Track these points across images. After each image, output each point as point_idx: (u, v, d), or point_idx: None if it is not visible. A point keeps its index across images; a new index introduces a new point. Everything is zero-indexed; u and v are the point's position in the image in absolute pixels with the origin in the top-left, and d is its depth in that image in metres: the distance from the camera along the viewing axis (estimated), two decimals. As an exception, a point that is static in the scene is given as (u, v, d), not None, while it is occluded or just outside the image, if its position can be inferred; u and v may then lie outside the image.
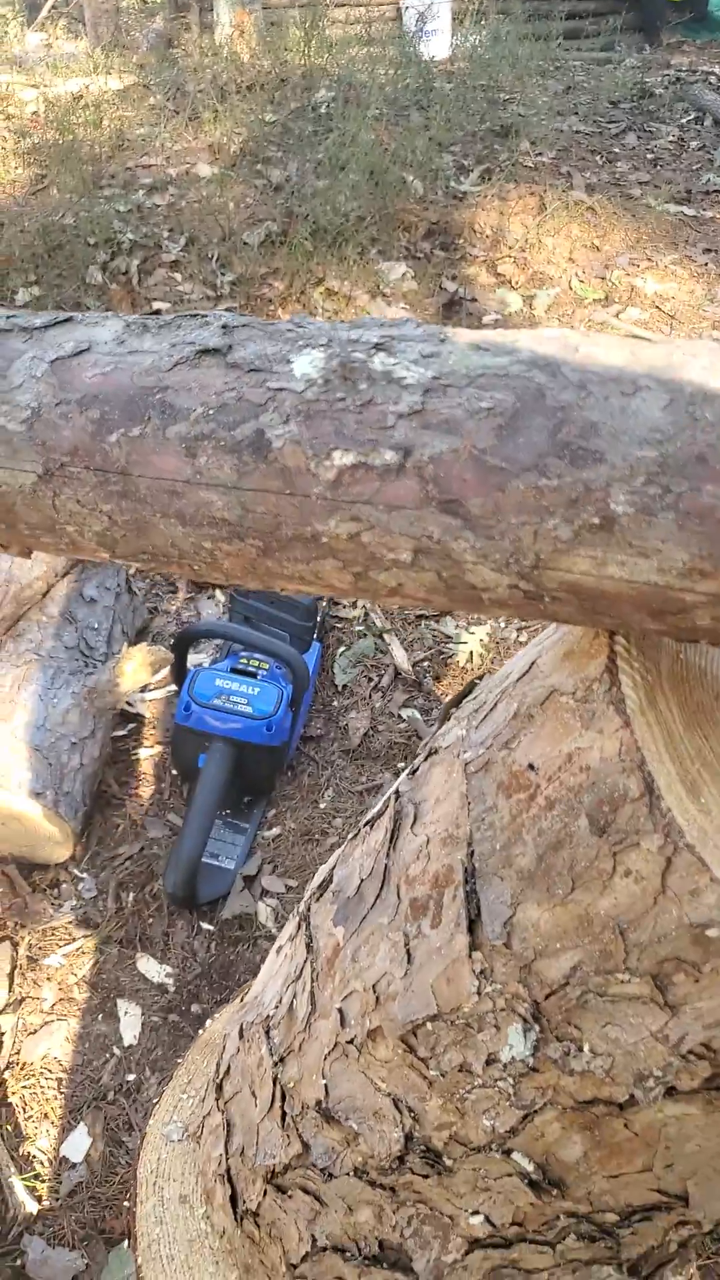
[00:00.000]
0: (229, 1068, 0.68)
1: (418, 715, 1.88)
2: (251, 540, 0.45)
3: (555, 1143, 0.48)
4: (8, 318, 0.52)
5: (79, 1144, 1.40)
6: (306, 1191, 0.59)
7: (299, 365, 0.43)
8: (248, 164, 3.41)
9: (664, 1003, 0.41)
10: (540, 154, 3.44)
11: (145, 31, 5.72)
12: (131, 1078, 1.45)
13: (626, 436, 0.38)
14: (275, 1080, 0.60)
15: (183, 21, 5.82)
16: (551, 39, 4.65)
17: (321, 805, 1.74)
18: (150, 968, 1.54)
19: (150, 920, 1.58)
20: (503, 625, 2.08)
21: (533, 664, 0.49)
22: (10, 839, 1.59)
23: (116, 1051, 1.47)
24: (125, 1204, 1.35)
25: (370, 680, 1.95)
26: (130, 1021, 1.50)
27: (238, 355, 0.45)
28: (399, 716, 1.89)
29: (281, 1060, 0.60)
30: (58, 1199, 1.35)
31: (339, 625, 2.07)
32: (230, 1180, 0.67)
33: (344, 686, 1.94)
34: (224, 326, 0.47)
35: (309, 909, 0.61)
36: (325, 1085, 0.56)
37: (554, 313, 2.93)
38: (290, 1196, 0.60)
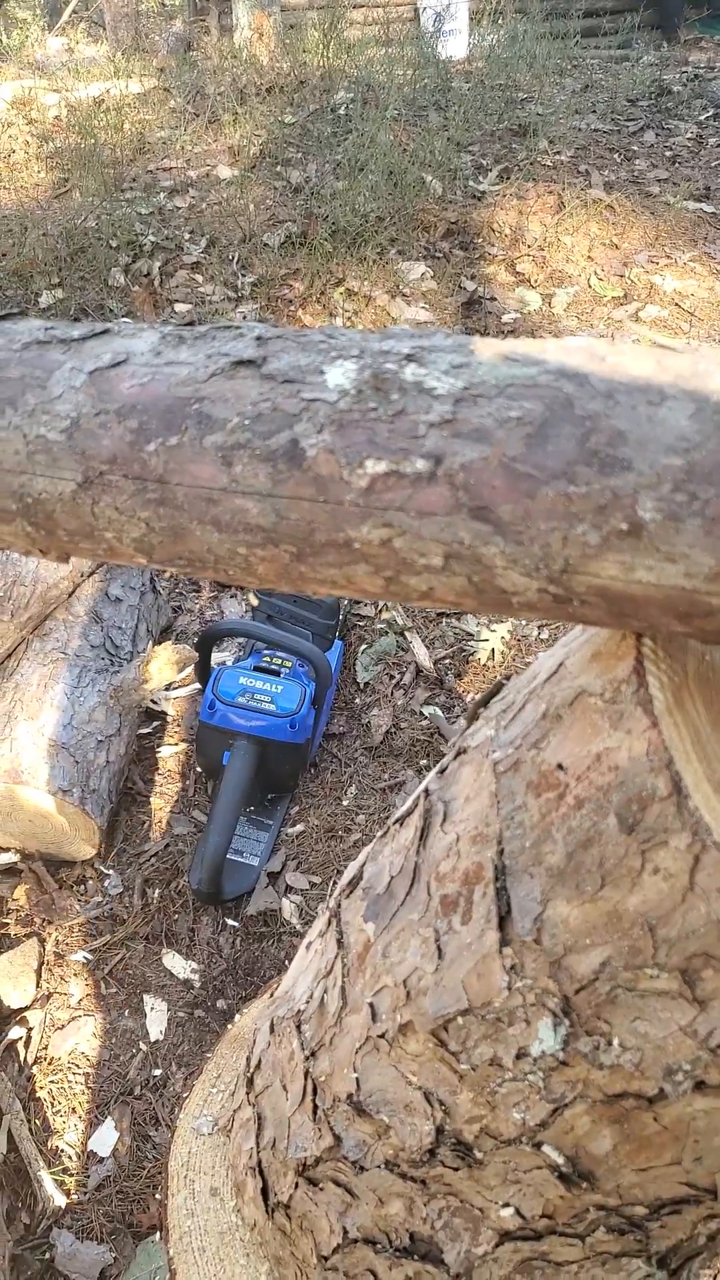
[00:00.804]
0: (260, 1062, 0.70)
1: (439, 713, 1.89)
2: (285, 546, 0.46)
3: (585, 1136, 0.48)
4: (46, 329, 0.54)
5: (106, 1138, 1.42)
6: (338, 1184, 0.60)
7: (332, 376, 0.44)
8: (267, 166, 3.42)
9: (693, 997, 0.42)
10: (558, 153, 3.43)
11: (165, 35, 5.76)
12: (158, 1073, 1.47)
13: (654, 445, 0.38)
14: (307, 1074, 0.61)
15: (202, 25, 5.85)
16: (569, 37, 4.63)
17: (344, 802, 1.75)
18: (176, 963, 1.56)
19: (176, 916, 1.60)
20: (524, 623, 2.08)
21: (560, 665, 0.49)
22: (37, 836, 1.61)
23: (143, 1047, 1.49)
24: (154, 1197, 1.37)
25: (392, 678, 1.96)
26: (156, 1017, 1.52)
27: (272, 366, 0.46)
28: (421, 714, 1.90)
29: (313, 1054, 0.61)
30: (85, 1193, 1.37)
31: (360, 623, 2.09)
32: (261, 1173, 0.68)
33: (366, 684, 1.95)
34: (258, 338, 0.48)
35: (339, 905, 0.62)
36: (357, 1079, 0.57)
37: (573, 311, 2.93)
38: (321, 1189, 0.62)
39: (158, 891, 1.63)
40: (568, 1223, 0.52)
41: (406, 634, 2.06)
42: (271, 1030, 0.69)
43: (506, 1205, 0.53)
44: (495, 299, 2.99)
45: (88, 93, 4.06)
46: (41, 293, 2.99)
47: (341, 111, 3.68)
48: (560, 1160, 0.50)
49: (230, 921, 1.59)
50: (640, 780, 0.42)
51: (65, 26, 6.59)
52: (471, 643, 2.05)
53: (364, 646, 2.03)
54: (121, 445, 0.48)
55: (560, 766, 0.46)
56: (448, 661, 2.02)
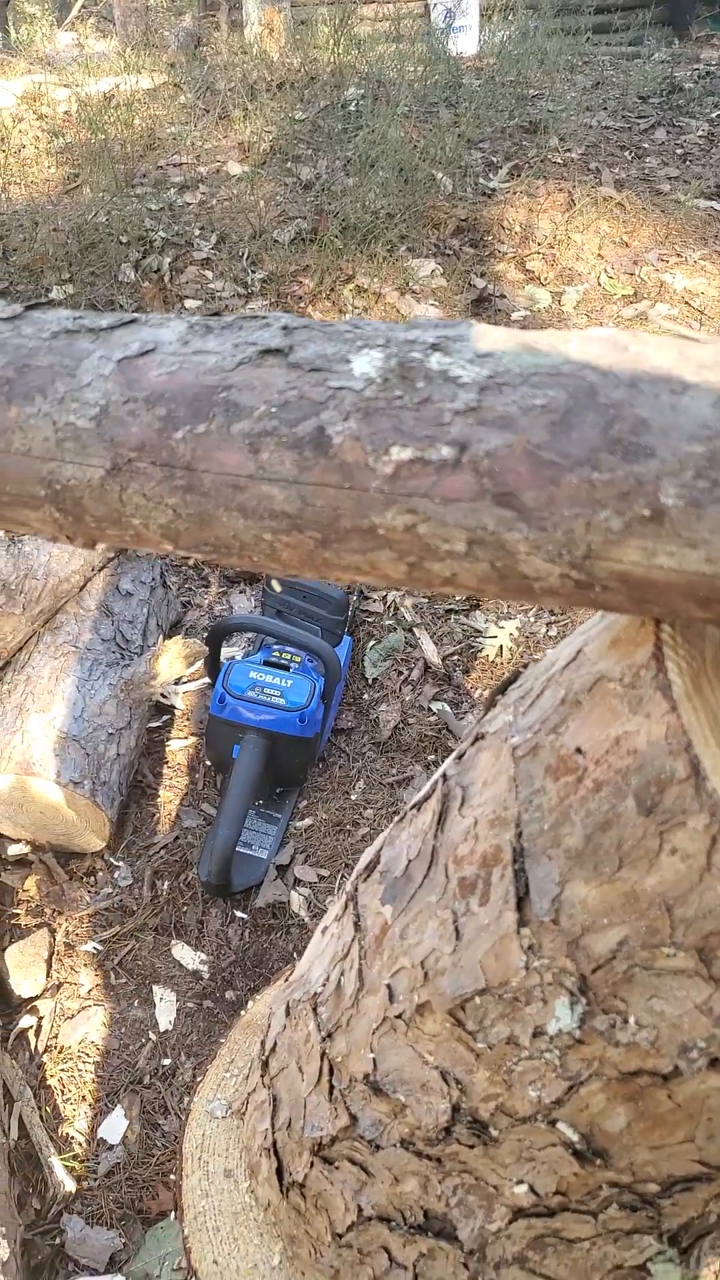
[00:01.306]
0: (275, 1045, 0.71)
1: (448, 708, 1.90)
2: (310, 532, 0.47)
3: (600, 1114, 0.49)
4: (75, 318, 0.55)
5: (116, 1126, 1.43)
6: (353, 1163, 0.61)
7: (358, 365, 0.45)
8: (278, 162, 3.43)
9: (709, 976, 0.43)
10: (569, 150, 3.43)
11: (174, 30, 5.76)
12: (167, 1062, 1.48)
13: (676, 433, 0.39)
14: (323, 1055, 0.62)
15: (212, 20, 5.86)
16: (580, 34, 4.63)
17: (353, 796, 1.76)
18: (185, 955, 1.57)
19: (185, 908, 1.61)
20: (532, 620, 2.09)
21: (579, 652, 0.50)
22: (48, 828, 1.63)
23: (152, 1036, 1.50)
24: (164, 1185, 1.38)
25: (400, 674, 1.97)
26: (165, 1007, 1.53)
27: (298, 355, 0.47)
28: (429, 710, 1.91)
29: (329, 1036, 0.62)
30: (95, 1179, 1.39)
31: (369, 619, 2.09)
32: (276, 1153, 0.69)
33: (374, 680, 1.96)
34: (284, 328, 0.49)
35: (356, 889, 0.63)
36: (373, 1059, 0.58)
37: (582, 309, 2.93)
38: (337, 1168, 0.63)
39: (167, 883, 1.64)
40: (581, 1200, 0.53)
41: (415, 630, 2.07)
42: (287, 1014, 0.70)
43: (521, 1182, 0.54)
44: (505, 296, 3.00)
45: (98, 88, 4.07)
46: (52, 288, 3.00)
47: (352, 108, 3.69)
48: (575, 1138, 0.51)
49: (239, 914, 1.61)
50: (659, 763, 0.43)
51: (74, 21, 6.60)
52: (480, 639, 2.05)
53: (373, 642, 2.04)
54: (150, 433, 0.49)
55: (579, 750, 0.47)
56: (456, 658, 2.03)
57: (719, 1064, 0.45)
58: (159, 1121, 1.43)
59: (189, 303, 2.99)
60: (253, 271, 3.02)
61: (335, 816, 1.74)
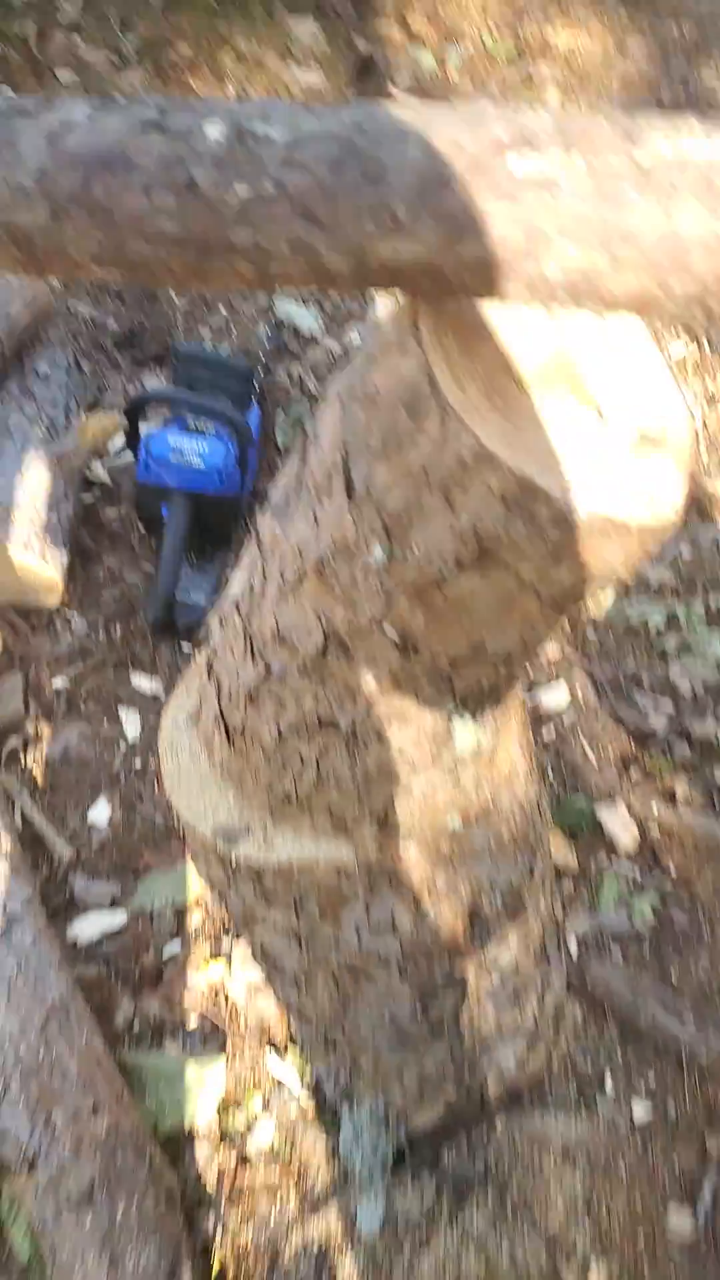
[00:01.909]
0: (215, 649, 1.05)
1: (349, 467, 2.19)
2: (191, 250, 0.74)
3: (408, 616, 0.84)
4: (7, 101, 0.78)
5: (102, 813, 1.83)
6: (271, 696, 0.97)
7: (210, 131, 0.71)
8: None
9: (450, 507, 0.76)
10: None
11: None
12: (138, 764, 1.87)
13: (404, 170, 0.67)
14: (246, 633, 0.97)
15: None
16: None
17: (271, 545, 2.08)
18: (143, 683, 1.93)
19: (138, 647, 1.96)
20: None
21: (376, 329, 0.80)
22: (5, 589, 1.92)
23: (124, 745, 1.88)
24: (145, 848, 1.79)
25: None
26: (132, 723, 1.90)
27: (171, 127, 0.72)
28: (333, 469, 2.20)
29: (248, 619, 0.96)
30: (90, 853, 1.79)
31: (277, 392, 2.34)
32: (223, 718, 1.05)
33: (286, 448, 2.24)
34: (159, 107, 0.74)
35: (257, 525, 0.95)
36: (276, 622, 0.92)
37: (467, 72, 2.99)
38: (262, 706, 0.99)
39: (119, 628, 1.97)
40: (405, 683, 0.89)
41: (318, 399, 2.32)
42: (220, 625, 1.04)
43: (369, 676, 0.90)
44: (391, 62, 3.02)
45: None
46: None
47: None
48: (396, 637, 0.86)
49: (185, 646, 1.95)
50: (415, 382, 0.74)
51: None
52: (377, 404, 2.32)
53: (280, 413, 2.29)
54: (75, 186, 0.74)
55: (375, 387, 0.78)
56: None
57: (464, 568, 0.79)
58: (137, 805, 1.83)
59: (61, 74, 2.95)
60: (125, 38, 2.97)
61: (258, 564, 2.06)
